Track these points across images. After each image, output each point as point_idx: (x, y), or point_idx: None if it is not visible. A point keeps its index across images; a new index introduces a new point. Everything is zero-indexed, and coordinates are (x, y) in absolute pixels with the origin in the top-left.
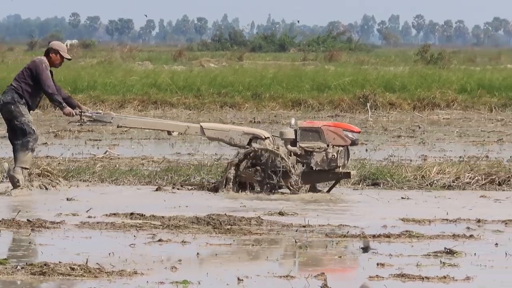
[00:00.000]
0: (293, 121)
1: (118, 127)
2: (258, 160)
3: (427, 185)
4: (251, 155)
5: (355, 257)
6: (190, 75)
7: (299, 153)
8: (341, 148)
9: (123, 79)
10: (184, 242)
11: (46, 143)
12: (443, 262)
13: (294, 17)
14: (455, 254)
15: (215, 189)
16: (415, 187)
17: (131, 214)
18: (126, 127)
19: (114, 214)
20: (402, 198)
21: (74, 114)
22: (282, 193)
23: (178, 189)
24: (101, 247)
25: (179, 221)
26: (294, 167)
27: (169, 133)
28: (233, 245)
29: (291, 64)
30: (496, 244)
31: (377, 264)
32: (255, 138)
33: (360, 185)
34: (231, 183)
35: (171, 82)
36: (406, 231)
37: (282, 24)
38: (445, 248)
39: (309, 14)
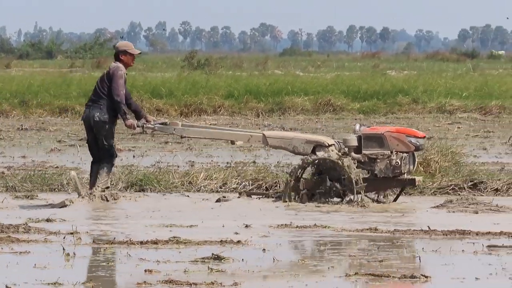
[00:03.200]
0: (357, 127)
1: (182, 137)
2: (319, 169)
3: (194, 191)
4: (311, 164)
5: (123, 264)
6: None
7: (363, 161)
8: (405, 154)
9: None
10: None
11: None
12: (211, 268)
13: (61, 24)
14: (222, 260)
15: (279, 198)
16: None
17: None
18: (189, 137)
19: None
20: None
21: (136, 126)
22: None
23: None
24: None
25: None
26: (356, 177)
27: (232, 142)
28: (1, 253)
29: (58, 72)
30: (264, 249)
31: (145, 270)
32: (318, 146)
33: (128, 191)
34: (292, 193)
35: None
36: (174, 237)
37: (50, 32)
38: (212, 254)
39: (76, 21)
